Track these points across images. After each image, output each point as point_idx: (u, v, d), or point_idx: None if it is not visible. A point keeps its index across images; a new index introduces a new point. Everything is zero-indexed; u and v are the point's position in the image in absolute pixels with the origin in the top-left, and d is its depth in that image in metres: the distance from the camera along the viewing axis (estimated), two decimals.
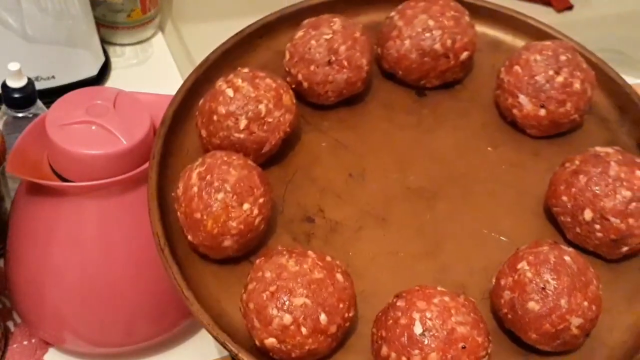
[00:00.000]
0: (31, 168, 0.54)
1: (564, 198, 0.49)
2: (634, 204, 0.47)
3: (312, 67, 0.54)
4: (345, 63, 0.54)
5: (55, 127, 0.53)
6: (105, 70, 0.81)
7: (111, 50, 0.84)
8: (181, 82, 0.78)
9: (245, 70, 0.52)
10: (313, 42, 0.54)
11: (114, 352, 0.60)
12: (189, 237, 0.47)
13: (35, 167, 0.54)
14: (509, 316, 0.45)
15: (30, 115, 0.64)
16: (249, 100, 0.50)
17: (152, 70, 0.83)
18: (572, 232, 0.49)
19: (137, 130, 0.54)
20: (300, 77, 0.55)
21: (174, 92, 0.55)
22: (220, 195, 0.46)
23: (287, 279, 0.43)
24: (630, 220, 0.47)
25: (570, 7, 0.93)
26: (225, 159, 0.47)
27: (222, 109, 0.50)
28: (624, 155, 0.50)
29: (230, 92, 0.50)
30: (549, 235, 0.51)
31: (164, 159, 0.52)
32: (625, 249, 0.48)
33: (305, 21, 0.57)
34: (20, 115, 0.64)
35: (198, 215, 0.46)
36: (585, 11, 0.93)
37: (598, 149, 0.50)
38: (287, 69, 0.56)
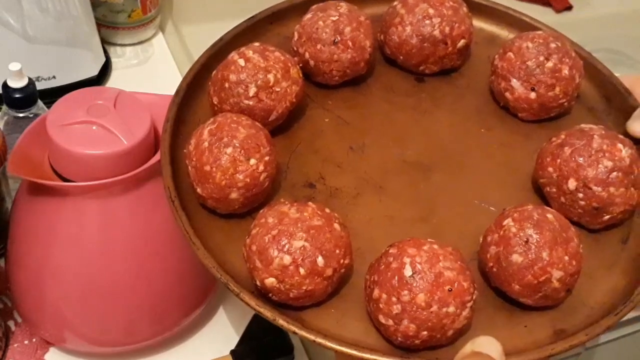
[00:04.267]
0: (32, 168, 0.54)
1: (550, 169, 0.52)
2: (614, 173, 0.50)
3: (318, 46, 0.58)
4: (350, 43, 0.58)
5: (56, 127, 0.53)
6: (105, 70, 0.81)
7: (112, 50, 0.85)
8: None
9: (257, 44, 0.56)
10: (320, 22, 0.58)
11: (114, 351, 0.61)
12: (199, 190, 0.50)
13: (36, 167, 0.54)
14: (494, 269, 0.48)
15: (31, 116, 0.65)
16: (259, 70, 0.54)
17: (153, 70, 0.84)
18: (557, 202, 0.53)
19: (137, 130, 0.54)
20: (307, 55, 0.59)
21: (174, 93, 0.58)
22: (229, 150, 0.49)
23: (288, 224, 0.46)
24: (612, 189, 0.50)
25: (569, 8, 0.95)
26: (235, 118, 0.51)
27: (233, 77, 0.54)
28: (607, 130, 0.53)
29: (241, 62, 0.54)
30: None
31: (177, 125, 0.56)
32: (606, 217, 0.51)
33: (314, 6, 0.61)
34: (21, 115, 0.65)
35: (208, 168, 0.49)
36: (584, 11, 0.95)
37: (583, 125, 0.54)
38: (295, 48, 0.60)
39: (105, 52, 0.83)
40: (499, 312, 0.49)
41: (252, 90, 0.54)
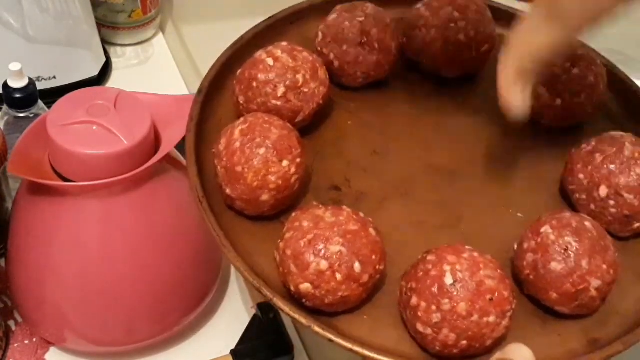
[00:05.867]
0: (32, 168, 0.54)
1: (581, 176, 0.52)
2: None
3: (344, 47, 0.57)
4: (376, 45, 0.57)
5: (56, 127, 0.53)
6: (106, 70, 0.81)
7: (112, 50, 0.85)
8: (182, 82, 0.82)
9: (284, 43, 0.55)
10: (347, 23, 0.57)
11: (114, 351, 0.60)
12: (228, 191, 0.49)
13: (36, 167, 0.54)
14: (531, 277, 0.47)
15: (32, 116, 0.64)
16: (288, 70, 0.53)
17: (153, 70, 0.84)
18: (587, 209, 0.52)
19: (138, 130, 0.54)
20: (332, 56, 0.58)
21: (174, 93, 0.57)
22: (261, 151, 0.48)
23: (324, 228, 0.45)
24: None
25: None
26: (267, 119, 0.50)
27: (261, 76, 0.53)
28: (637, 138, 0.53)
29: (270, 61, 0.53)
30: None
31: (199, 124, 0.54)
32: (636, 225, 0.51)
33: (338, 6, 0.60)
34: (21, 115, 0.64)
35: (239, 169, 0.48)
36: None
37: (613, 132, 0.54)
38: (319, 48, 0.59)
39: (106, 52, 0.82)
40: (532, 321, 0.49)
41: (281, 91, 0.52)
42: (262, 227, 0.51)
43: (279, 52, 0.53)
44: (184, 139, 0.54)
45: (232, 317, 0.64)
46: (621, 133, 0.53)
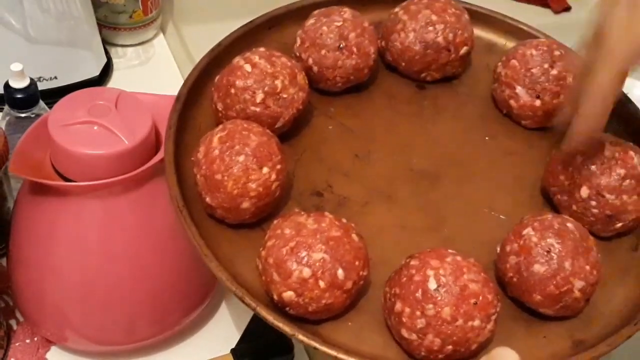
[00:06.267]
0: (33, 168, 0.54)
1: (561, 177, 0.52)
2: (627, 181, 0.50)
3: (322, 52, 0.57)
4: (355, 49, 0.57)
5: (58, 128, 0.53)
6: (107, 71, 0.81)
7: (113, 51, 0.85)
8: (182, 82, 0.81)
9: (262, 49, 0.54)
10: (325, 28, 0.57)
11: (115, 350, 0.61)
12: (207, 200, 0.48)
13: (38, 167, 0.54)
14: (514, 280, 0.47)
15: (33, 116, 0.64)
16: (266, 76, 0.52)
17: (154, 71, 0.84)
18: (569, 210, 0.52)
19: (138, 130, 0.54)
20: (310, 61, 0.57)
21: (175, 93, 0.57)
22: (241, 158, 0.47)
23: (307, 235, 0.45)
24: (624, 197, 0.50)
25: (568, 8, 0.94)
26: (246, 125, 0.49)
27: (239, 83, 0.52)
28: (617, 138, 0.53)
29: (248, 68, 0.52)
30: None
31: (178, 132, 0.54)
32: (618, 225, 0.51)
33: (316, 11, 0.59)
34: (22, 115, 0.64)
35: (219, 177, 0.47)
36: (583, 12, 0.93)
37: None
38: (297, 54, 0.58)
39: (107, 52, 0.82)
40: (517, 323, 0.48)
41: (260, 97, 0.52)
42: (244, 235, 0.50)
43: (256, 58, 0.53)
44: None
45: (232, 317, 0.64)
46: (601, 133, 0.53)
